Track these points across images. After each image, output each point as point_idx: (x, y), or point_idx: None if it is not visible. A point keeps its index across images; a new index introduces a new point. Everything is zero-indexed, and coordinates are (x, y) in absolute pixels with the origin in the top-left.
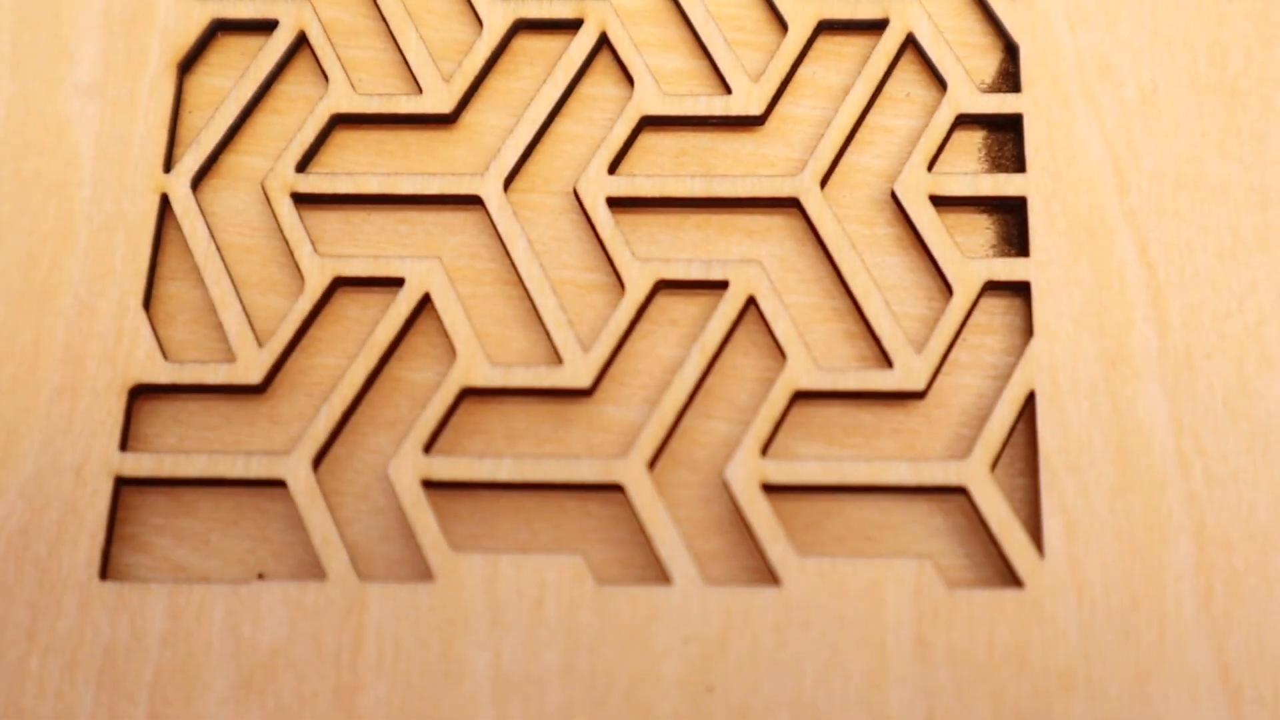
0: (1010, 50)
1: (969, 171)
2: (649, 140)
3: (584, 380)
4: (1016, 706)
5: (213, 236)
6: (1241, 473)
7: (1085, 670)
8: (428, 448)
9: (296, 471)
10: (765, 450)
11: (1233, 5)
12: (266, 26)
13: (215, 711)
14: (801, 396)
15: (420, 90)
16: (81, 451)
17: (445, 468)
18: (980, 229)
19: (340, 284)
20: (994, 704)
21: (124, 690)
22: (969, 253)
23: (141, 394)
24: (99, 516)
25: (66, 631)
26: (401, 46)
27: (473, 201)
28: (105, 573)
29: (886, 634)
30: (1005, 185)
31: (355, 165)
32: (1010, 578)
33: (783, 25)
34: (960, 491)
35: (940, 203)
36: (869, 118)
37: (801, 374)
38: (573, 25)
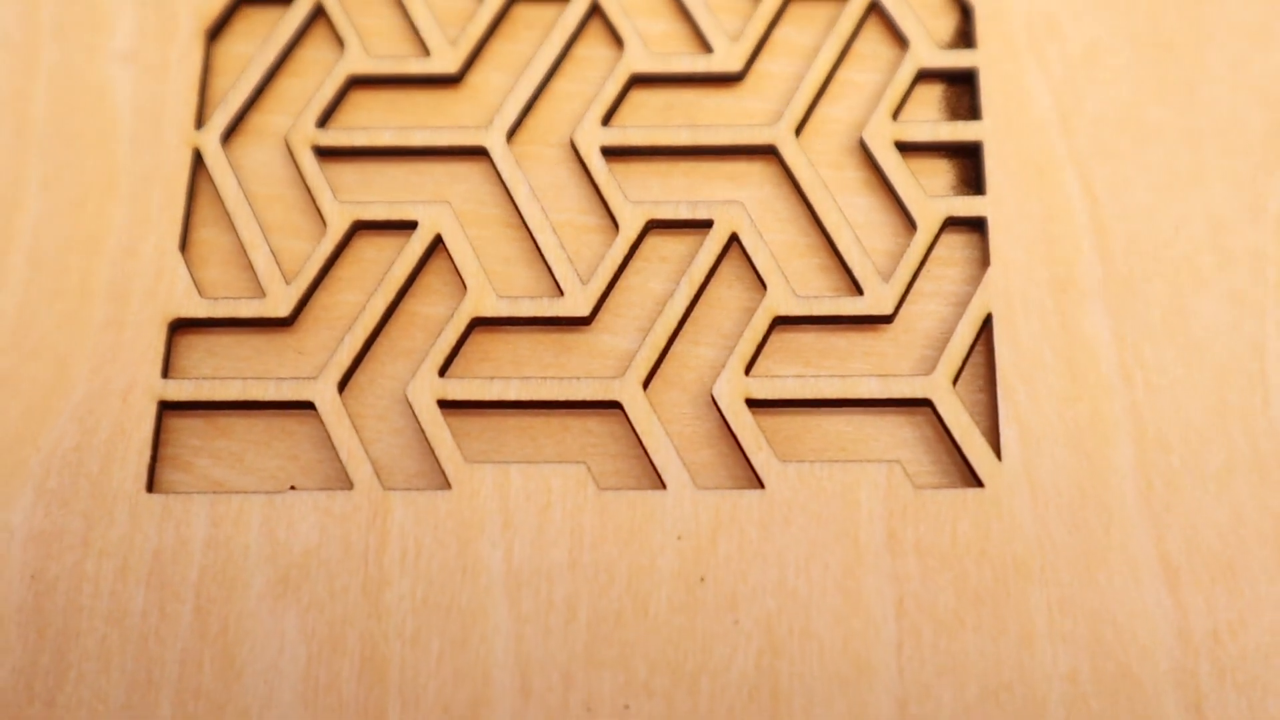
0: (965, 11)
1: (930, 120)
2: (638, 96)
3: (583, 310)
4: (978, 591)
5: (241, 187)
6: (1177, 382)
7: (1039, 559)
8: (442, 372)
9: (323, 395)
10: (748, 370)
11: None
12: None
13: (255, 607)
14: (781, 322)
15: (428, 53)
16: (127, 379)
17: (459, 389)
18: (941, 172)
19: (359, 228)
20: (957, 590)
21: (171, 589)
22: (931, 193)
23: (180, 328)
24: (144, 436)
25: (118, 538)
26: (410, 13)
27: (478, 153)
28: (152, 486)
29: (860, 530)
30: (963, 132)
31: (370, 121)
32: (971, 479)
33: None
34: (926, 404)
35: (904, 149)
36: (838, 73)
37: (780, 302)
38: None
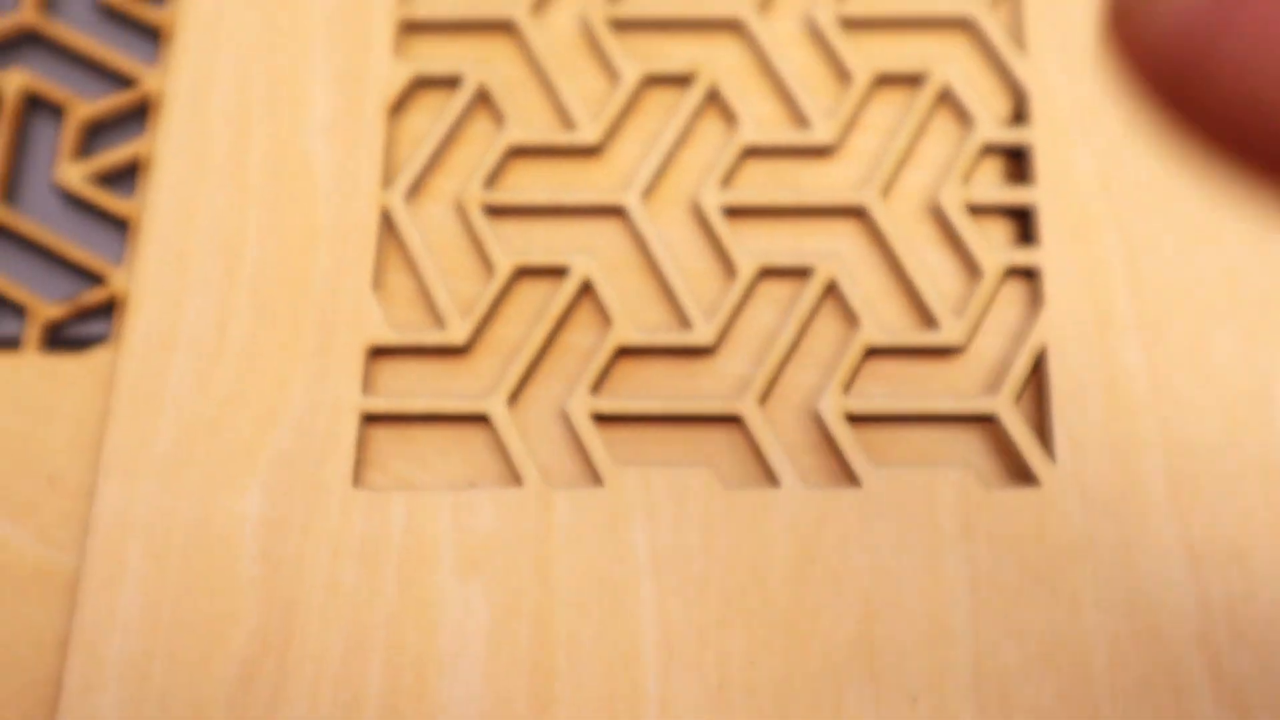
0: (1021, 96)
1: (993, 185)
2: (750, 164)
3: (708, 340)
4: (1037, 570)
5: (421, 238)
6: (1198, 402)
7: (1086, 544)
8: (593, 390)
9: (496, 409)
10: (846, 390)
11: None
12: (454, 82)
13: (446, 580)
14: (872, 352)
15: (575, 127)
16: (334, 395)
17: (608, 404)
18: (1002, 228)
19: (520, 273)
20: (1020, 569)
21: (377, 566)
22: (994, 246)
23: (376, 354)
24: (349, 442)
25: (332, 526)
26: (559, 96)
27: (617, 211)
28: (356, 483)
29: (940, 520)
30: (1021, 195)
31: (527, 184)
32: (1030, 480)
33: (848, 78)
34: (992, 419)
35: (972, 209)
36: (915, 147)
37: (871, 334)
38: (688, 79)
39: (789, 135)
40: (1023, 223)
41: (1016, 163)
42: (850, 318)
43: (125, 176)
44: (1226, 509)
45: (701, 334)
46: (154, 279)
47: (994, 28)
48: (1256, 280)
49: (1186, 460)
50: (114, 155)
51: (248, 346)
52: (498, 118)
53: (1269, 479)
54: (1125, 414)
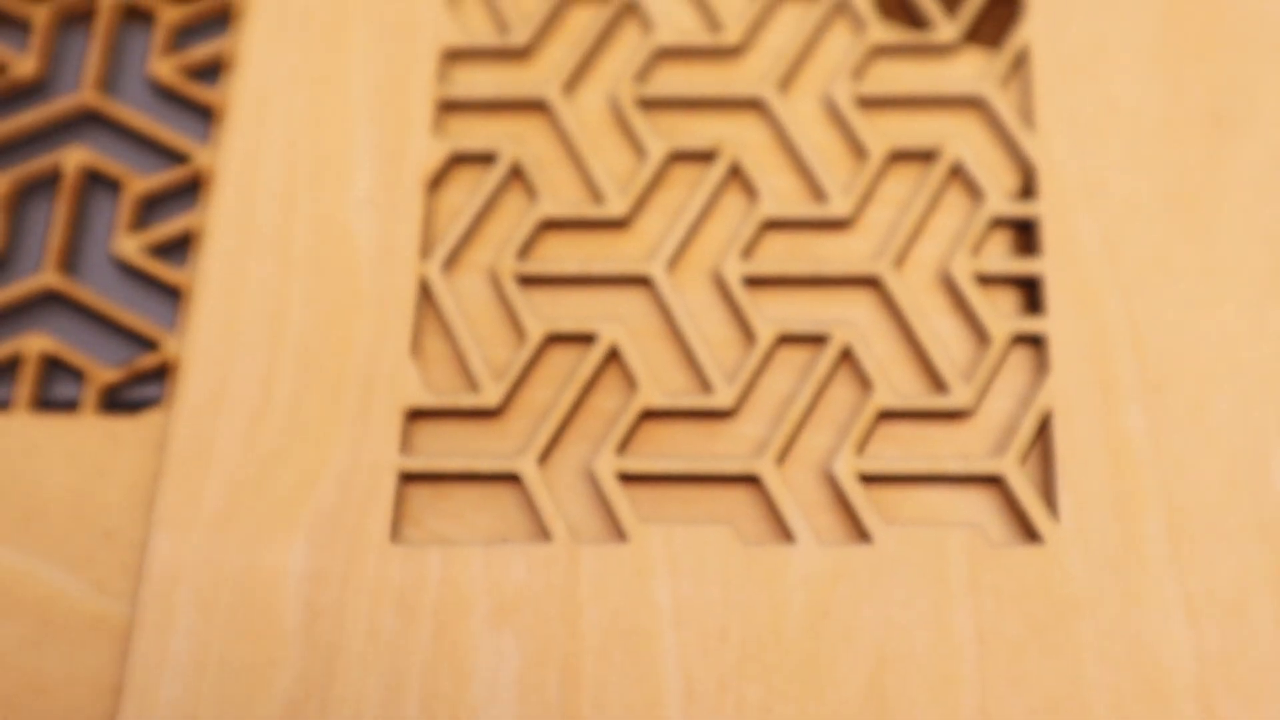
0: (1029, 171)
1: (1001, 256)
2: (769, 236)
3: (729, 404)
4: (1041, 624)
5: (458, 306)
6: (1198, 464)
7: (1089, 599)
8: (619, 451)
9: (527, 468)
10: (860, 451)
11: (1192, 135)
12: (489, 158)
13: (479, 629)
14: (884, 415)
15: (603, 201)
16: (374, 454)
17: (633, 464)
18: (1010, 298)
19: (551, 339)
20: (1025, 623)
21: (413, 616)
22: (1002, 314)
23: (413, 416)
24: (388, 499)
25: (371, 578)
26: (588, 171)
27: (643, 281)
28: (394, 538)
29: (949, 576)
30: (1028, 266)
31: (558, 255)
32: (1035, 538)
33: (864, 154)
34: (999, 479)
35: (981, 279)
36: (928, 220)
37: (884, 398)
38: (711, 155)
39: (807, 209)
40: (1030, 292)
41: (1025, 234)
42: (864, 382)
43: (178, 248)
44: (1225, 566)
45: (722, 397)
46: (204, 345)
47: (1004, 106)
48: (1254, 348)
49: (1186, 519)
50: (168, 228)
51: (292, 408)
52: (530, 192)
53: (1266, 537)
54: (1127, 475)
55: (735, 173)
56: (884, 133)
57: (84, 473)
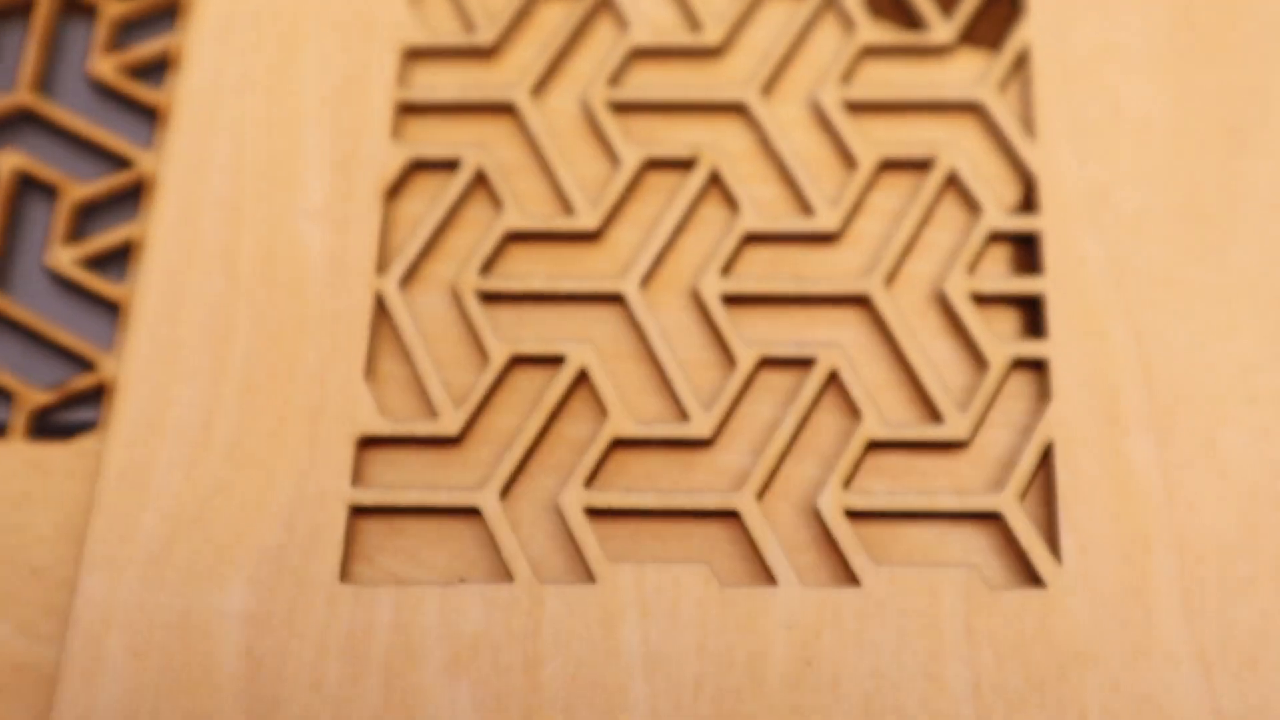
0: (1030, 182)
1: (999, 274)
2: (751, 251)
3: (705, 433)
4: (1042, 676)
5: (416, 325)
6: (1211, 503)
7: (1094, 650)
8: (588, 484)
9: (488, 502)
10: (847, 486)
11: (1205, 146)
12: (452, 165)
13: (432, 680)
14: (873, 445)
15: (573, 212)
16: (322, 487)
17: (602, 498)
18: (1009, 319)
19: (515, 361)
20: (1025, 674)
21: (362, 664)
22: (1000, 336)
23: (366, 444)
24: (337, 535)
25: (317, 621)
26: (557, 179)
27: (615, 298)
28: (344, 577)
29: (943, 622)
30: (1028, 285)
31: (524, 270)
32: (1035, 581)
33: (853, 163)
34: (997, 516)
35: (978, 299)
36: (921, 234)
37: (873, 428)
38: (689, 163)
39: (791, 221)
40: (1031, 312)
41: (1025, 251)
42: (852, 410)
43: (117, 260)
44: (1241, 614)
45: (699, 426)
46: (142, 366)
47: (1003, 112)
48: (1273, 375)
49: (1199, 563)
50: (106, 238)
51: (236, 436)
52: (495, 202)
53: None
54: (1135, 513)
55: (715, 182)
56: (874, 140)
57: (9, 504)
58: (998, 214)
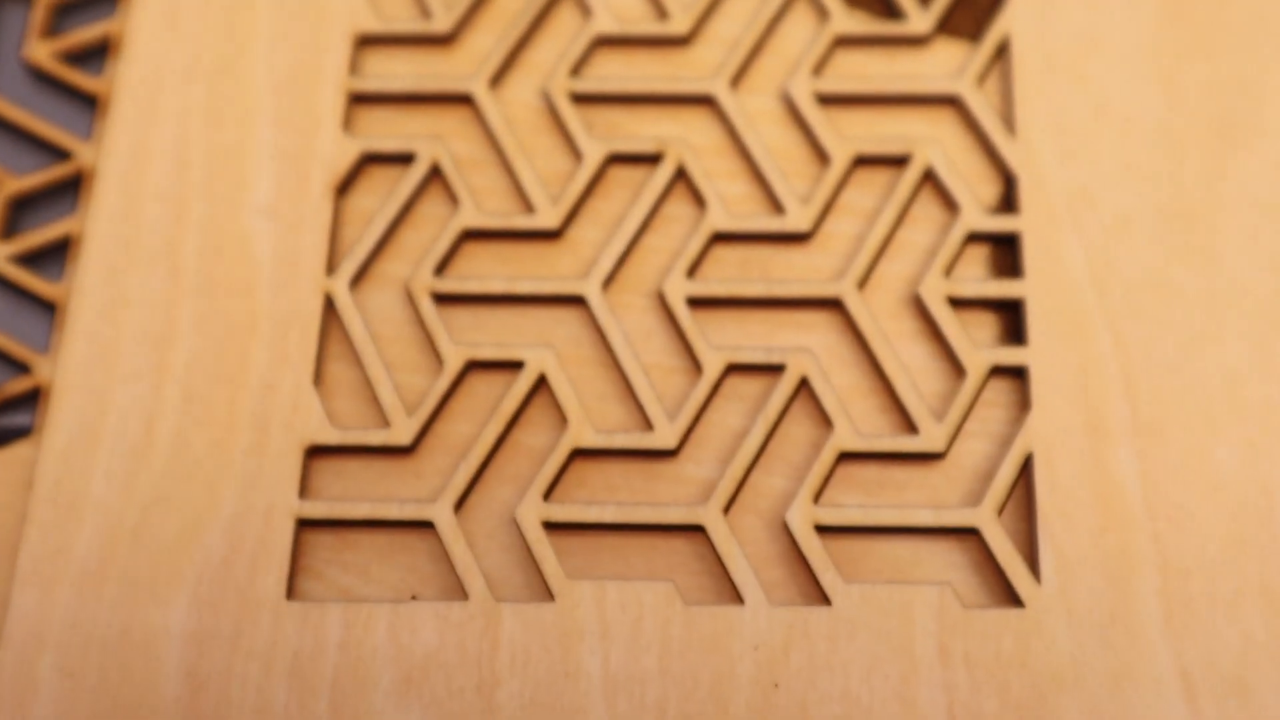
0: (1009, 180)
1: (978, 277)
2: (718, 252)
3: (670, 443)
4: (1019, 700)
5: (367, 328)
6: (1196, 518)
7: (1074, 672)
8: (546, 496)
9: (441, 515)
10: (817, 499)
11: (1192, 144)
12: (406, 159)
13: (382, 704)
14: (845, 457)
15: (533, 210)
16: (269, 499)
17: (561, 512)
18: (987, 324)
19: (472, 366)
20: (1001, 698)
21: (309, 686)
22: (978, 342)
23: (314, 454)
24: (284, 550)
25: (263, 640)
26: (516, 174)
27: (577, 301)
28: (290, 594)
29: (915, 644)
30: (1007, 289)
31: (481, 271)
32: (1013, 600)
33: (826, 159)
34: (973, 532)
35: (955, 303)
36: (896, 234)
37: (845, 439)
38: (655, 158)
39: (761, 221)
40: (1010, 318)
41: (1004, 252)
42: (823, 419)
43: (54, 256)
44: (1226, 635)
45: (663, 436)
46: (79, 369)
47: (981, 107)
48: (1260, 386)
49: (1183, 580)
50: (42, 233)
51: (177, 444)
52: (451, 198)
53: (1272, 603)
54: (1117, 529)
55: (681, 178)
56: (848, 135)
57: None
58: (976, 214)
